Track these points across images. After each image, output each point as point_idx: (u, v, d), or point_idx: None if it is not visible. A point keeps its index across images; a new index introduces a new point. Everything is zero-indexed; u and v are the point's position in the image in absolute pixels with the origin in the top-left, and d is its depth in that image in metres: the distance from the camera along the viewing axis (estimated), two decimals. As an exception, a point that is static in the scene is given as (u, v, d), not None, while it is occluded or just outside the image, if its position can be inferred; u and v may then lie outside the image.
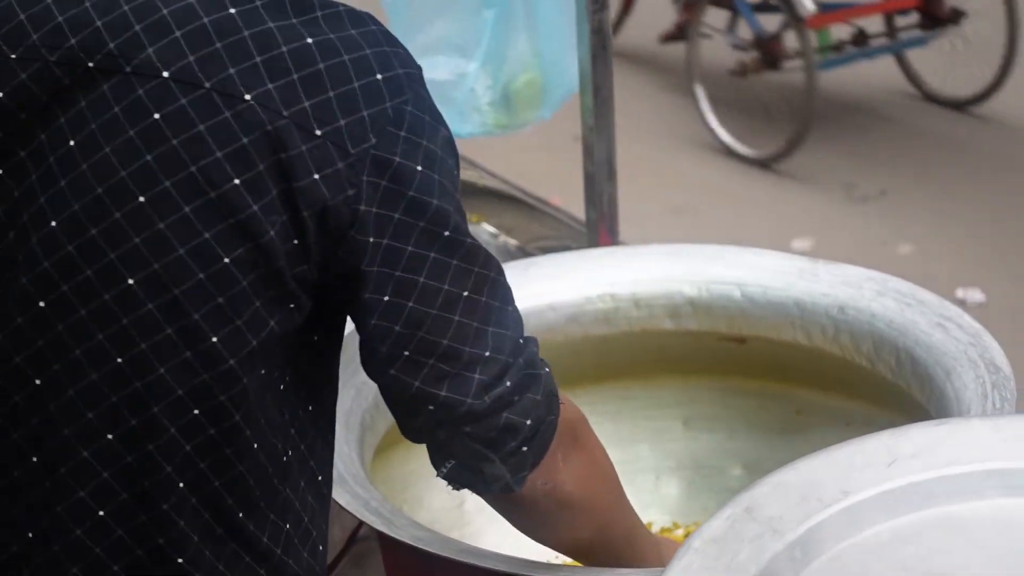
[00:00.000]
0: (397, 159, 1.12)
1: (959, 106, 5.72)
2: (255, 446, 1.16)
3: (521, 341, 1.21)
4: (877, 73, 5.79)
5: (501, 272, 1.20)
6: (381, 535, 1.37)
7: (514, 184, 2.67)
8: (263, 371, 1.14)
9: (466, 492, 1.88)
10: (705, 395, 1.91)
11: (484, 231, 2.44)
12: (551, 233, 2.42)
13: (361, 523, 1.47)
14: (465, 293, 1.15)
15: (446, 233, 1.14)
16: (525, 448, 1.21)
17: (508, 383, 1.18)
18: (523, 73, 2.36)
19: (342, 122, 1.11)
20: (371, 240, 1.12)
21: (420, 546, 1.30)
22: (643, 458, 1.94)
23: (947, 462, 1.13)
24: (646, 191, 4.62)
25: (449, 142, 1.17)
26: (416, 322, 1.15)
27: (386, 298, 1.14)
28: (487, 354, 1.17)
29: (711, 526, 1.07)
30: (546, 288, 1.83)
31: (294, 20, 1.12)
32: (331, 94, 1.11)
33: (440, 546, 1.31)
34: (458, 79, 2.38)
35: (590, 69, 2.07)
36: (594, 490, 1.32)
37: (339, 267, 1.13)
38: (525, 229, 2.48)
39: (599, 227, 2.15)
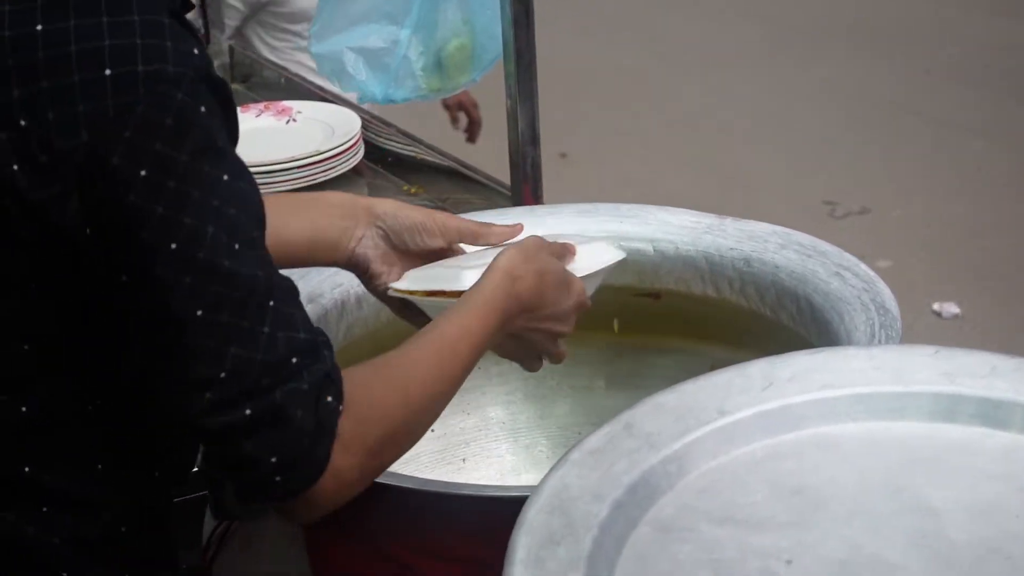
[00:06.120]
0: (114, 160, 1.05)
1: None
2: None
3: (280, 368, 1.11)
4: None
5: (271, 295, 1.11)
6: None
7: (449, 155, 2.71)
8: None
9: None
10: (626, 353, 1.94)
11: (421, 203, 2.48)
12: (481, 200, 2.46)
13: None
14: (199, 312, 1.08)
15: (173, 246, 1.07)
16: (278, 478, 1.12)
17: (248, 411, 1.10)
18: (453, 39, 2.40)
19: (50, 116, 1.05)
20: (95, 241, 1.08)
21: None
22: (565, 415, 1.98)
23: (821, 386, 1.18)
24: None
25: (205, 151, 1.07)
26: (161, 320, 1.09)
27: (129, 279, 1.09)
28: (222, 376, 1.09)
29: (590, 440, 1.11)
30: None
31: (38, 2, 1.07)
32: (43, 85, 1.05)
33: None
34: (391, 46, 2.42)
35: (512, 36, 2.07)
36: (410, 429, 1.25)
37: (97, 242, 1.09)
38: (459, 197, 2.53)
39: (524, 191, 2.18)
